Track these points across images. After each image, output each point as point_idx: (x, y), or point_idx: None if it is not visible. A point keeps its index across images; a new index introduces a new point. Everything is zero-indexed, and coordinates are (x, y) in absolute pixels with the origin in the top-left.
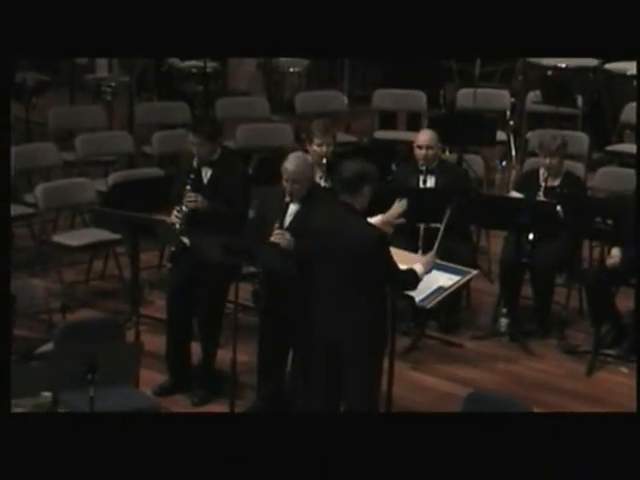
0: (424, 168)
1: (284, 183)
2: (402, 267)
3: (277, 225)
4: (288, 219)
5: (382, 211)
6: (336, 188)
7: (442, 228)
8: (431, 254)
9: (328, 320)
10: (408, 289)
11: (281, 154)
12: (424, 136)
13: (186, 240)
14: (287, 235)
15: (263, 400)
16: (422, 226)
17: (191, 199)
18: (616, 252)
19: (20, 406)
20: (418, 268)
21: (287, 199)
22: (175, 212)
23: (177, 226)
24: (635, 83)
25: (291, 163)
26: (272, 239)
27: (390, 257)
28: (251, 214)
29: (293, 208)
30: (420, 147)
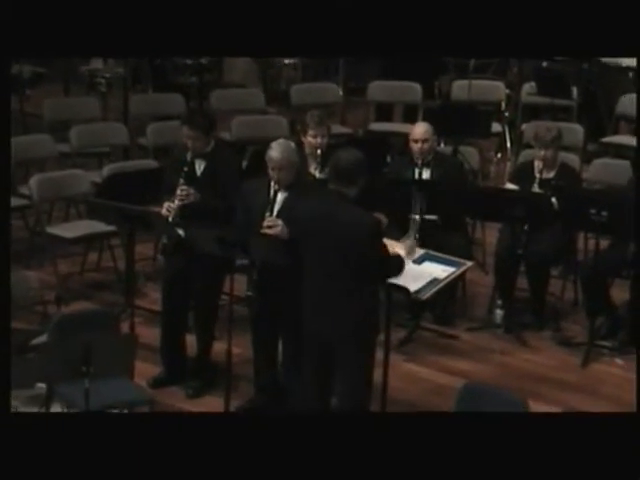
0: (420, 161)
1: (270, 172)
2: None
3: (268, 215)
4: (277, 207)
5: (377, 203)
6: (330, 177)
7: (418, 215)
8: (410, 239)
9: (320, 311)
10: (395, 275)
11: None
12: (419, 129)
13: (181, 232)
14: (279, 222)
15: (261, 393)
16: (416, 217)
17: (183, 193)
18: None
19: (15, 398)
20: (401, 253)
21: (275, 187)
22: (167, 206)
23: (170, 219)
24: (630, 75)
25: (276, 151)
26: (265, 228)
27: (384, 244)
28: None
29: (281, 196)
30: (416, 141)
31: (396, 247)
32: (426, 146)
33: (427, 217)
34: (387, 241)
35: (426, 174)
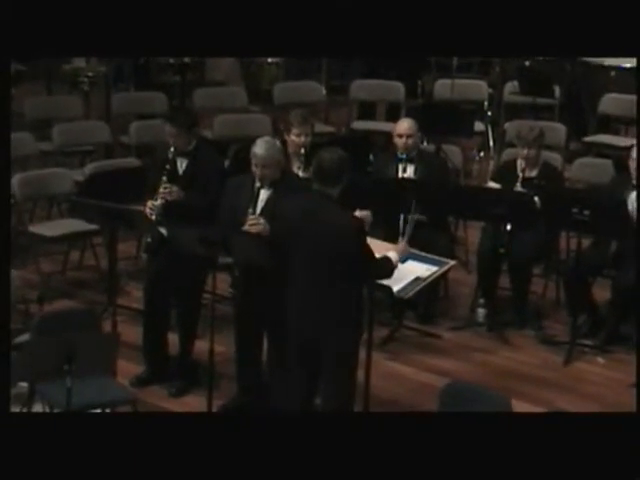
0: (404, 157)
1: (254, 169)
2: (377, 255)
3: (250, 212)
4: (260, 205)
5: (361, 202)
6: (313, 178)
7: (412, 217)
8: (404, 241)
9: (304, 312)
10: (383, 277)
11: None
12: (404, 124)
13: (164, 230)
14: (262, 220)
15: (244, 392)
16: (402, 216)
17: (166, 190)
18: None
19: None
20: (392, 255)
21: (257, 185)
22: (150, 204)
23: (153, 217)
24: (612, 74)
25: (260, 148)
26: (247, 226)
27: (367, 246)
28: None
29: (264, 194)
30: (400, 136)
31: (387, 249)
32: (410, 141)
33: (412, 216)
34: (378, 243)
35: (410, 170)
